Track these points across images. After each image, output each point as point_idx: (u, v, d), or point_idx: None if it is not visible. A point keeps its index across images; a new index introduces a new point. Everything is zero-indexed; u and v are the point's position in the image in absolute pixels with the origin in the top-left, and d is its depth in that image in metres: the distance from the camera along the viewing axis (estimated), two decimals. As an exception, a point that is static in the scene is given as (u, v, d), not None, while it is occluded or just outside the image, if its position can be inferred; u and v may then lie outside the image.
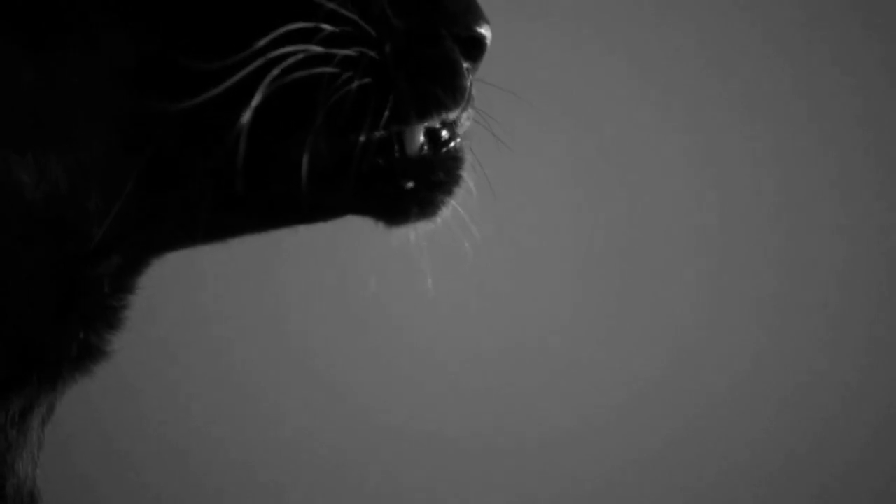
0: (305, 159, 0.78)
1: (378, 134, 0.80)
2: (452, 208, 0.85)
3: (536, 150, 1.82)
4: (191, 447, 1.82)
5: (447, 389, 1.86)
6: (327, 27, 0.78)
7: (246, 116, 0.77)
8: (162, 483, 1.81)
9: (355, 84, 0.78)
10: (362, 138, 0.79)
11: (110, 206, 0.81)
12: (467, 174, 0.85)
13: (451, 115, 0.83)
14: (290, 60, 0.77)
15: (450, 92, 0.82)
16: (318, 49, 0.77)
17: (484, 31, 0.83)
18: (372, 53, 0.79)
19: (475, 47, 0.83)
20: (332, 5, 0.79)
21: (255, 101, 0.77)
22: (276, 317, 1.78)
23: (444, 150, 0.85)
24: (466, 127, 0.84)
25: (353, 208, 0.86)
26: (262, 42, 0.77)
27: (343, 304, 1.78)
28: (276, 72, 0.76)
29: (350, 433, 1.85)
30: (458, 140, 0.85)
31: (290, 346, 1.82)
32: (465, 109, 0.84)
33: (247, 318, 1.74)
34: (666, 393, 1.89)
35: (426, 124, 0.83)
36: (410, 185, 0.83)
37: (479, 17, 0.83)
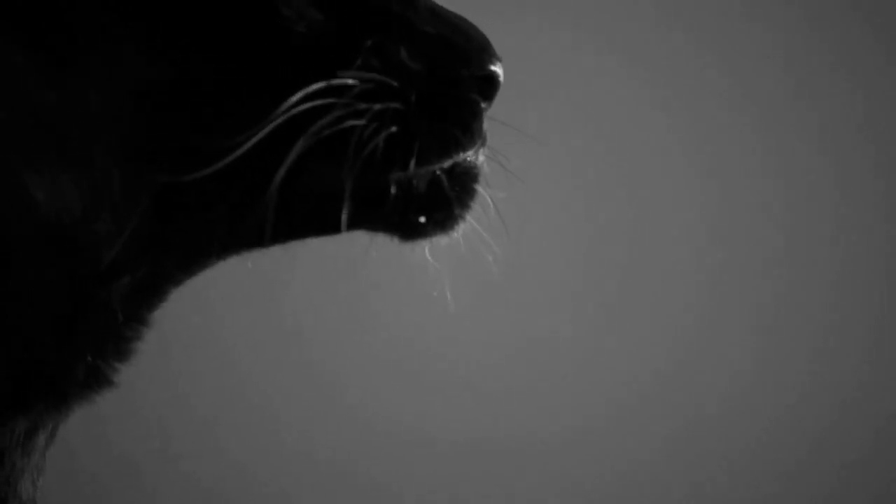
0: (345, 213, 0.81)
1: (402, 175, 0.84)
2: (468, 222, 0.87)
3: (538, 155, 1.82)
4: (194, 455, 1.82)
5: (449, 393, 1.86)
6: (354, 82, 0.81)
7: (278, 175, 0.80)
8: (163, 489, 1.81)
9: (383, 135, 0.81)
10: (393, 190, 0.83)
11: (121, 228, 0.81)
12: (482, 188, 0.87)
13: (469, 154, 0.87)
14: (323, 122, 0.80)
15: (468, 133, 0.85)
16: (346, 108, 0.81)
17: (497, 68, 0.87)
18: (396, 105, 0.82)
19: (490, 86, 0.87)
20: (351, 73, 0.82)
21: (285, 168, 0.80)
22: (277, 317, 1.78)
23: (459, 165, 0.87)
24: (481, 161, 0.88)
25: (369, 226, 0.88)
26: (292, 99, 0.80)
27: (346, 305, 1.78)
28: (300, 147, 0.80)
29: (354, 438, 1.85)
30: (473, 155, 0.88)
31: (290, 347, 1.83)
32: (480, 146, 0.88)
33: (248, 318, 1.74)
34: (665, 397, 1.89)
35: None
36: (422, 219, 0.87)
37: (492, 56, 0.87)
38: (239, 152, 0.79)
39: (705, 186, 1.91)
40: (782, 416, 1.89)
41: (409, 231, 0.86)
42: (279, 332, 1.80)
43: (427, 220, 0.86)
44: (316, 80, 0.81)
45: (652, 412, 1.89)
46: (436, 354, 1.84)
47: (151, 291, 0.87)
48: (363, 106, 0.80)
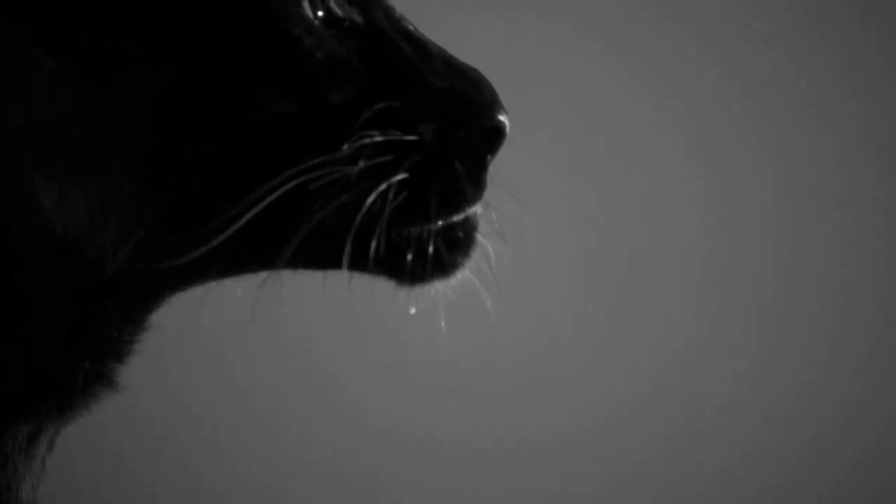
0: (372, 248, 0.84)
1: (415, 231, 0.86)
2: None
3: (536, 152, 1.82)
4: (192, 457, 1.82)
5: (449, 396, 1.86)
6: (362, 163, 0.83)
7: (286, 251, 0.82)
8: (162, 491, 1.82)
9: (394, 203, 0.84)
10: (409, 256, 0.85)
11: (127, 240, 0.82)
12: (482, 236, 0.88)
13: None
14: (336, 201, 0.83)
15: (479, 187, 0.88)
16: (357, 186, 0.83)
17: (504, 119, 0.88)
18: (404, 176, 0.84)
19: (496, 138, 0.88)
20: (360, 163, 0.84)
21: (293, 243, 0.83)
22: (275, 318, 1.77)
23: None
24: (479, 211, 0.90)
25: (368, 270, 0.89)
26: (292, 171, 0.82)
27: (344, 305, 1.78)
28: (318, 217, 0.82)
29: (353, 440, 1.85)
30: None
31: (289, 349, 1.82)
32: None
33: (245, 318, 1.74)
34: (664, 406, 1.89)
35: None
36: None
37: (501, 108, 0.88)
38: (234, 228, 0.82)
39: (704, 195, 1.91)
40: (781, 421, 1.90)
41: (409, 277, 0.88)
42: (277, 333, 1.80)
43: (428, 267, 0.87)
44: (327, 139, 0.83)
45: (649, 419, 1.90)
46: (436, 358, 1.84)
47: (151, 299, 0.89)
48: (372, 184, 0.83)
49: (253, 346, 1.80)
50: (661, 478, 1.89)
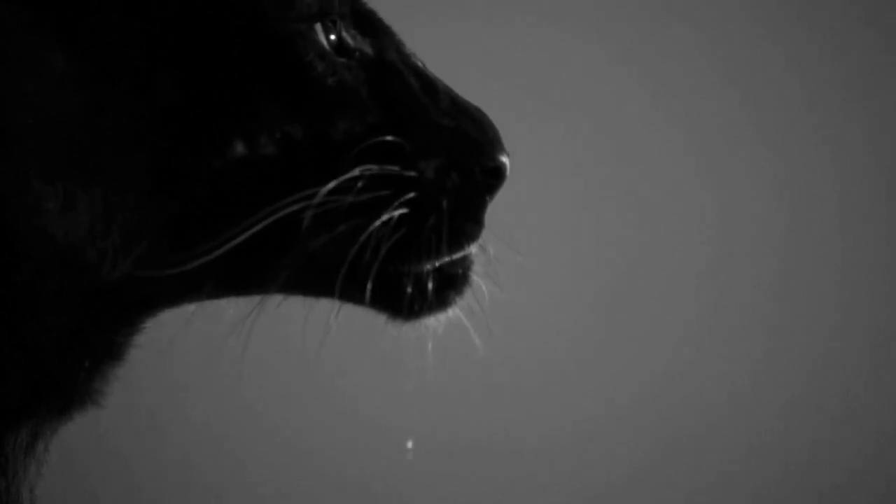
0: (369, 285, 0.84)
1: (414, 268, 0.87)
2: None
3: (534, 146, 1.82)
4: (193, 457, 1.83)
5: (449, 397, 1.87)
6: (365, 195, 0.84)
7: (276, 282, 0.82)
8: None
9: (396, 237, 0.84)
10: (407, 289, 0.85)
11: (128, 248, 0.83)
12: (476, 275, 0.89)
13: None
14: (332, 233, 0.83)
15: (478, 226, 0.88)
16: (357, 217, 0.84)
17: (505, 160, 0.89)
18: (404, 210, 0.84)
19: (497, 178, 0.89)
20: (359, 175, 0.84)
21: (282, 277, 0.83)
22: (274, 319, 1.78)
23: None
24: (474, 251, 0.90)
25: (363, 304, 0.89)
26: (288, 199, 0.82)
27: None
28: (312, 246, 0.82)
29: (353, 440, 1.86)
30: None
31: (288, 348, 1.83)
32: None
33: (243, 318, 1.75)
34: (663, 410, 1.90)
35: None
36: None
37: (502, 148, 0.89)
38: (230, 245, 0.82)
39: (705, 199, 1.91)
40: (781, 423, 1.90)
41: (404, 313, 0.88)
42: (276, 333, 1.81)
43: (424, 304, 0.88)
44: (327, 167, 0.83)
45: (646, 423, 1.90)
46: (437, 360, 1.85)
47: (147, 307, 0.90)
48: (368, 217, 0.83)
49: (252, 347, 1.81)
50: (656, 483, 1.90)
